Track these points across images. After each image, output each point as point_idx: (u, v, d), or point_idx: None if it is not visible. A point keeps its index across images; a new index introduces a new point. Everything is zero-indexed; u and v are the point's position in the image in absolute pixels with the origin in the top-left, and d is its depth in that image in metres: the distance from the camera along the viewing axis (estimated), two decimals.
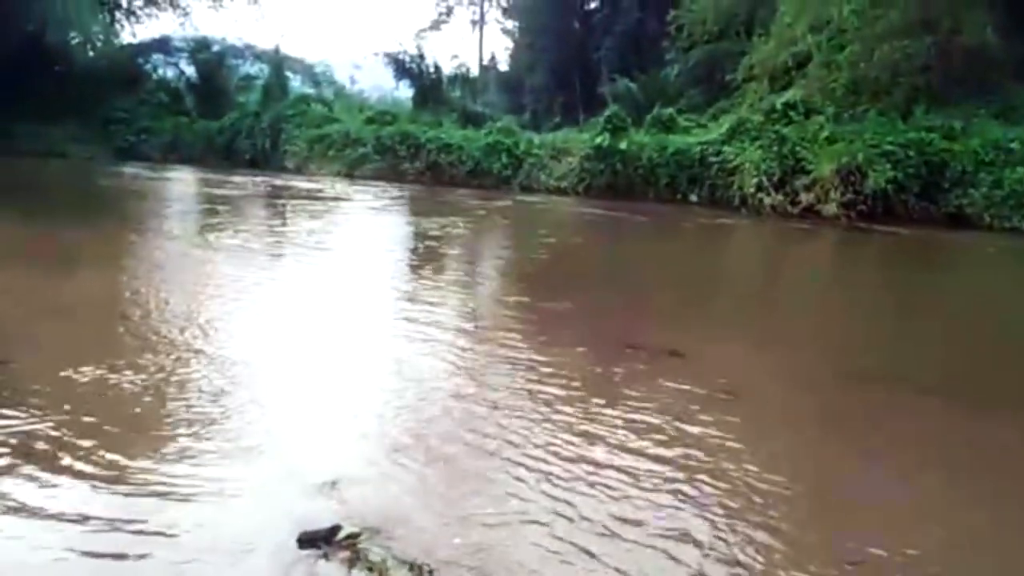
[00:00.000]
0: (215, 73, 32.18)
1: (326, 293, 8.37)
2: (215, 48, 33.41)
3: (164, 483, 3.64)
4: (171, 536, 3.20)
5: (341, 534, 3.21)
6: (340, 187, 21.72)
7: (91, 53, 32.63)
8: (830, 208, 14.93)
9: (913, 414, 5.10)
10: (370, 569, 3.00)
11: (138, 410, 4.57)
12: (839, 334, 7.61)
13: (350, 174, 24.79)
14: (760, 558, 3.23)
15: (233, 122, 28.70)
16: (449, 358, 5.93)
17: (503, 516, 3.49)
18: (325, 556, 3.09)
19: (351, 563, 3.05)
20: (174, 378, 5.10)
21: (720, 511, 3.61)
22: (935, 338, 7.42)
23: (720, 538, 3.36)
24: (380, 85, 35.52)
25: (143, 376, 5.08)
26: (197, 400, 4.73)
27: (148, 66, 33.71)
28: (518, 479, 3.87)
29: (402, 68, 29.50)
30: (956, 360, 6.63)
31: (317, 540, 3.16)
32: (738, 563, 3.18)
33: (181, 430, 4.25)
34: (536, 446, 4.27)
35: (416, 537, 3.24)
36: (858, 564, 3.17)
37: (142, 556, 3.08)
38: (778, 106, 17.34)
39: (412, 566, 3.01)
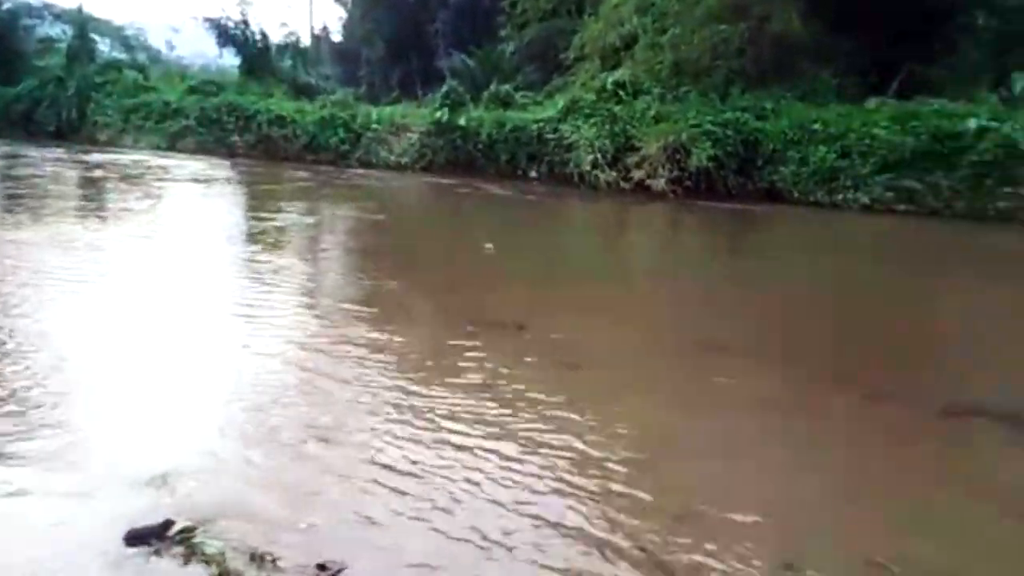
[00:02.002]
0: (7, 33, 28.84)
1: (153, 280, 7.76)
2: (6, 6, 29.90)
3: None
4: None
5: (174, 529, 2.99)
6: (162, 162, 20.17)
7: None
8: (659, 184, 15.70)
9: (743, 378, 5.45)
10: (207, 562, 2.82)
11: None
12: (675, 305, 8.03)
13: (171, 147, 23.11)
14: (593, 520, 3.35)
15: (32, 89, 25.92)
16: (287, 340, 5.69)
17: (346, 498, 3.40)
18: (157, 552, 2.87)
19: (187, 558, 2.85)
20: None
21: (561, 478, 3.71)
22: (761, 307, 7.97)
23: (558, 505, 3.46)
24: (202, 52, 33.34)
25: None
26: (12, 400, 4.24)
27: None
28: (359, 461, 3.78)
29: (225, 35, 27.70)
30: (782, 329, 7.17)
31: (147, 537, 2.93)
32: (571, 526, 3.28)
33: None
34: (377, 426, 4.19)
35: (256, 526, 3.08)
36: (683, 518, 3.36)
37: None
38: (609, 85, 17.93)
39: (253, 556, 2.86)
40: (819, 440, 4.44)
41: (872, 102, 14.99)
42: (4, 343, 5.22)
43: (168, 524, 3.01)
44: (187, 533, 2.98)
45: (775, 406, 4.90)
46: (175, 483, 3.40)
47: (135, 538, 2.93)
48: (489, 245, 9.81)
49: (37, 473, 3.44)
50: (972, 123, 13.14)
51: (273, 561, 2.84)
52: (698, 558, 3.08)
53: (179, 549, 2.90)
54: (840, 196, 14.36)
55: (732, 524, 3.35)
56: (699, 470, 3.95)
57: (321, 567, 2.79)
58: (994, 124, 13.01)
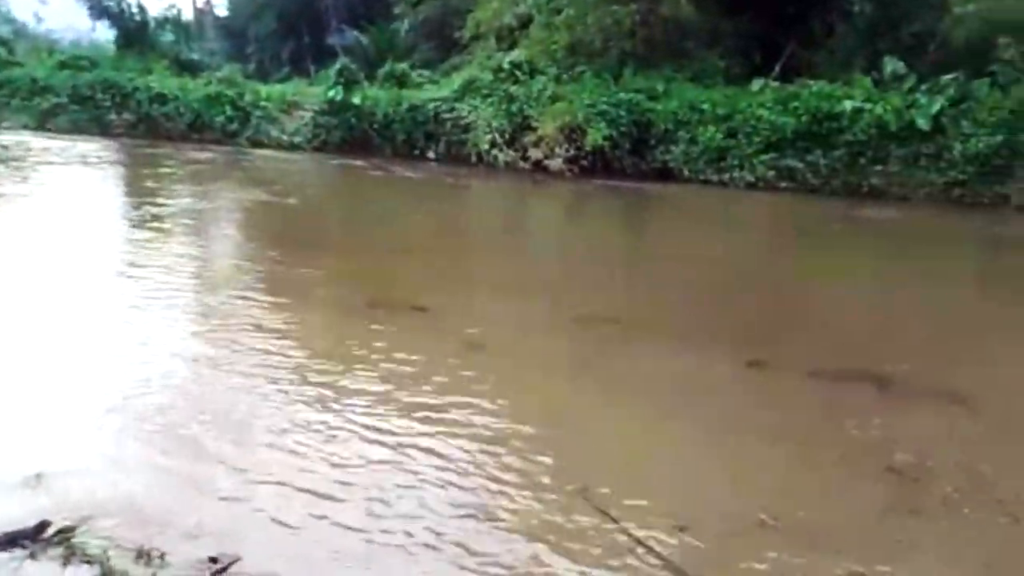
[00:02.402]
0: None
1: (39, 269, 7.24)
2: None
3: None
4: None
5: (50, 530, 2.81)
6: (42, 143, 18.78)
7: None
8: (556, 163, 15.86)
9: (634, 350, 5.61)
10: (89, 562, 2.67)
11: None
12: (573, 281, 8.15)
13: (41, 126, 21.52)
14: (496, 495, 3.38)
15: None
16: (180, 326, 5.46)
17: (239, 490, 3.29)
18: (32, 555, 2.69)
19: (66, 559, 2.69)
20: None
21: (460, 455, 3.72)
22: (651, 282, 8.20)
23: (458, 483, 3.47)
24: (73, 26, 31.12)
25: None
26: None
27: None
28: (255, 448, 3.67)
29: (98, 7, 25.91)
30: (671, 302, 7.39)
31: (20, 539, 2.74)
32: (475, 504, 3.30)
33: None
34: (274, 414, 4.08)
35: (143, 522, 2.94)
36: (583, 492, 3.43)
37: None
38: (505, 65, 17.92)
39: (140, 552, 2.72)
40: (706, 407, 4.62)
41: (757, 84, 15.59)
42: None
43: (44, 525, 2.83)
44: (66, 533, 2.81)
45: (665, 377, 5.08)
46: (51, 482, 3.20)
47: (7, 542, 2.74)
48: None
49: None
50: (847, 105, 13.88)
51: (161, 556, 2.72)
52: (595, 529, 3.15)
53: (57, 551, 2.73)
54: (727, 175, 14.91)
55: (628, 492, 3.44)
56: (595, 444, 4.03)
57: (213, 560, 2.70)
58: (867, 106, 13.78)
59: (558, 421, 4.29)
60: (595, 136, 15.43)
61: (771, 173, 14.54)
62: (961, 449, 4.14)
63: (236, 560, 2.71)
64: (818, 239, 11.10)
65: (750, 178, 14.70)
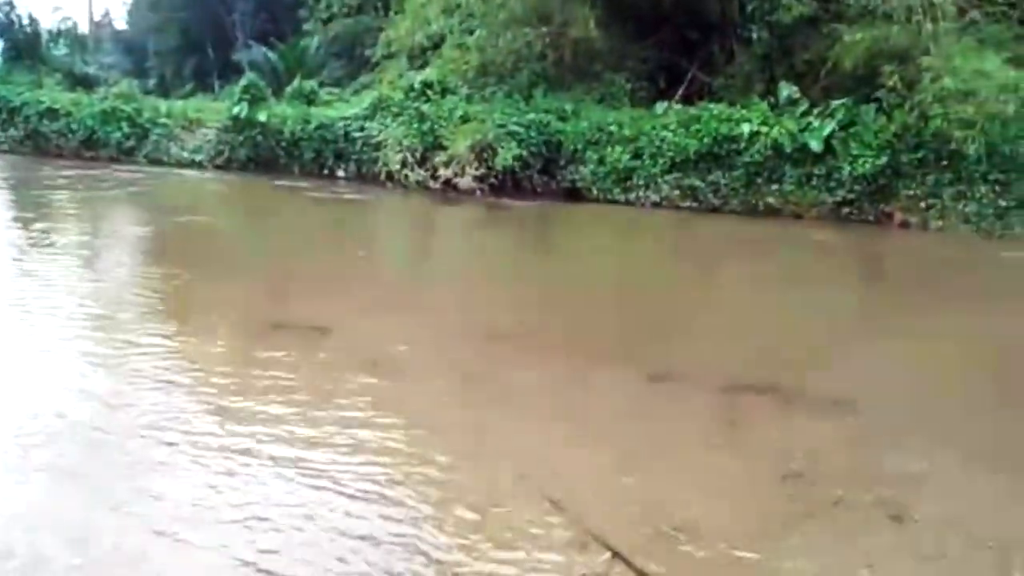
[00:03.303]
0: None
1: None
2: None
3: None
4: None
5: None
6: None
7: None
8: (466, 182, 15.90)
9: (537, 366, 5.64)
10: None
11: None
12: (471, 299, 8.15)
13: None
14: (408, 505, 3.32)
15: None
16: (73, 353, 5.17)
17: (124, 533, 3.13)
18: None
19: None
20: None
21: (359, 482, 3.64)
22: (554, 299, 8.28)
23: (353, 512, 3.39)
24: None
25: None
26: None
27: None
28: (148, 473, 3.49)
29: None
30: (574, 319, 7.48)
31: None
32: (363, 529, 3.24)
33: None
34: (170, 439, 3.90)
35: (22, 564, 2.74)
36: (478, 509, 3.41)
37: None
38: (417, 84, 17.89)
39: None
40: (609, 419, 4.68)
41: (661, 107, 16.07)
42: None
43: None
44: None
45: (565, 391, 5.13)
46: None
47: None
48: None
49: None
50: (745, 128, 14.46)
51: None
52: (496, 553, 3.12)
53: None
54: (634, 194, 15.27)
55: (529, 509, 3.44)
56: (494, 460, 4.02)
57: None
58: (764, 128, 14.38)
59: (452, 439, 4.26)
60: (506, 155, 15.55)
61: (675, 192, 14.97)
62: (847, 452, 4.34)
63: None
64: (715, 256, 11.52)
65: (655, 197, 15.09)
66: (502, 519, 3.35)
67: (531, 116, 16.20)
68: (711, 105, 15.45)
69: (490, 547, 3.14)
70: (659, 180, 15.04)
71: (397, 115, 17.43)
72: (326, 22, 25.01)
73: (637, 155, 15.28)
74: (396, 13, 20.99)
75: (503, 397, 4.99)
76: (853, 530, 3.52)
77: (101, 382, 4.77)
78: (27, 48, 24.32)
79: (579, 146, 15.87)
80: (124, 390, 4.63)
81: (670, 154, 14.93)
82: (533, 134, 15.91)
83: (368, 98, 18.59)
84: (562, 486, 3.71)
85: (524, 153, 15.72)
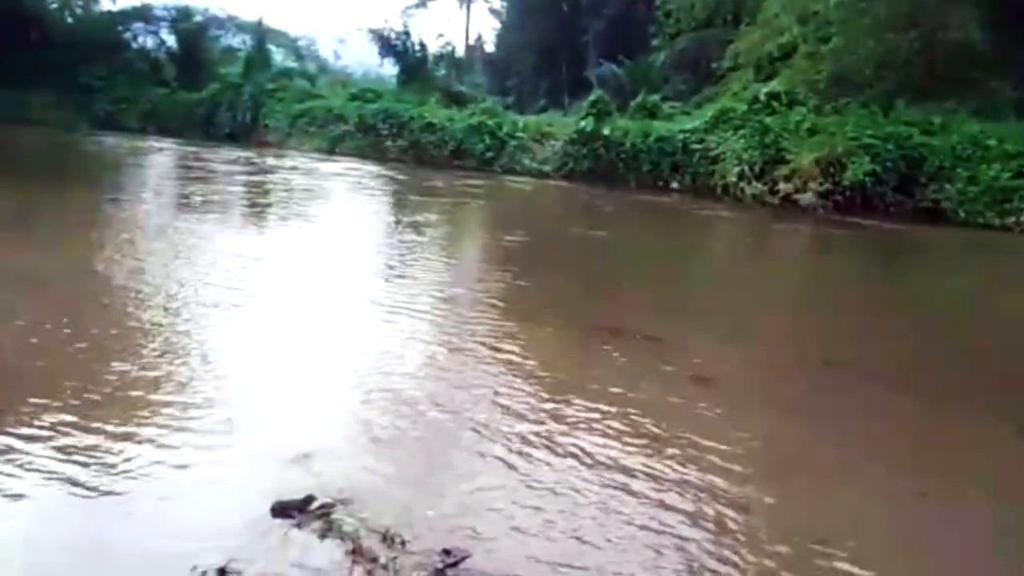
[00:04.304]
0: (196, 44, 31.63)
1: (310, 277, 8.32)
2: (197, 18, 32.81)
3: (151, 455, 3.68)
4: (162, 500, 3.30)
5: (314, 504, 3.24)
6: (328, 166, 21.47)
7: (69, 20, 31.98)
8: (808, 198, 15.07)
9: (874, 402, 5.19)
10: (342, 538, 3.03)
11: (119, 382, 4.56)
12: (812, 326, 7.71)
13: (331, 151, 24.58)
14: (729, 532, 3.31)
15: (213, 94, 28.25)
16: (425, 340, 5.96)
17: (474, 491, 3.55)
18: (298, 525, 3.12)
19: (323, 533, 3.08)
20: (151, 348, 5.11)
21: (689, 497, 3.68)
22: (905, 332, 7.51)
23: (687, 531, 3.44)
24: (364, 61, 35.13)
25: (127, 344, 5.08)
26: (179, 378, 4.73)
27: (128, 34, 32.95)
28: (489, 457, 3.92)
29: (387, 45, 29.15)
30: (925, 354, 6.73)
31: (290, 510, 3.19)
32: (703, 541, 3.26)
33: (167, 408, 4.25)
34: (507, 424, 4.32)
35: (389, 509, 3.28)
36: (823, 542, 3.25)
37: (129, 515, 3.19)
38: (762, 96, 17.40)
39: (385, 536, 3.05)
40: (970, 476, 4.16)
41: None
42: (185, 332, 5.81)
43: (309, 500, 3.26)
44: (326, 509, 3.22)
45: (899, 425, 4.67)
46: (317, 463, 3.68)
47: (280, 510, 3.19)
48: None
49: (199, 447, 3.81)
50: None
51: (403, 543, 3.02)
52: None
53: (318, 524, 3.14)
54: (1012, 218, 13.20)
55: (870, 551, 3.22)
56: (829, 488, 3.81)
57: (446, 552, 2.94)
58: None
59: (778, 459, 4.12)
60: (856, 171, 14.46)
61: None
62: None
63: (467, 556, 2.94)
64: None
65: None
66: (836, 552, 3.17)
67: (890, 128, 14.88)
68: None
69: None
70: None
71: (738, 127, 17.12)
72: (673, 36, 25.38)
73: (1021, 174, 13.19)
74: (746, 24, 20.59)
75: (829, 424, 4.69)
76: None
77: (436, 361, 5.39)
78: (416, 71, 28.28)
79: (946, 162, 14.19)
80: (455, 372, 5.20)
81: None
82: (891, 148, 14.58)
83: (710, 111, 18.53)
84: (887, 532, 3.40)
85: (878, 168, 14.49)
